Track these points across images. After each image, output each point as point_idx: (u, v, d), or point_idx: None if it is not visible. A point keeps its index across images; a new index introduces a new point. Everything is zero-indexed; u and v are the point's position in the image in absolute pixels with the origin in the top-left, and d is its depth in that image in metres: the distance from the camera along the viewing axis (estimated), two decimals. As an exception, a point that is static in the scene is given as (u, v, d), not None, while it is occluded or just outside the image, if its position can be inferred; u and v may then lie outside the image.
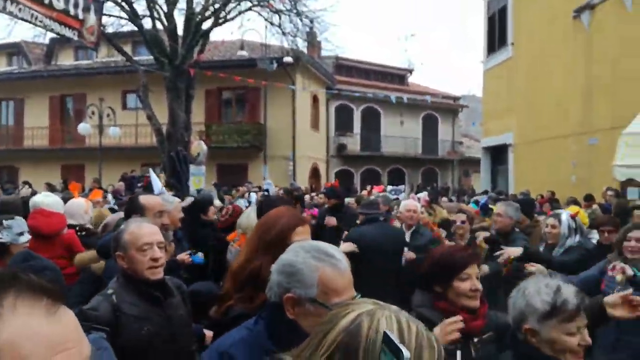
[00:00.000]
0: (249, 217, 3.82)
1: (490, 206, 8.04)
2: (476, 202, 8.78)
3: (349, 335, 0.90)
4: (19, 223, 3.15)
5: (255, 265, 1.95)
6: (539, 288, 1.82)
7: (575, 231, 4.44)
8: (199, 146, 13.52)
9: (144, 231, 2.36)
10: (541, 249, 4.59)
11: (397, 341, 0.70)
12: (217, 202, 7.72)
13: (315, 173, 24.80)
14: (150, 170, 10.07)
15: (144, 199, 3.61)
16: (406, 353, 0.66)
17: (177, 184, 11.87)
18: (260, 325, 1.52)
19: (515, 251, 4.03)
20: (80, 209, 4.73)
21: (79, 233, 4.42)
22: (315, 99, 24.60)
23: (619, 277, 3.32)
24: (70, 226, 4.39)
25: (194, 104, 15.52)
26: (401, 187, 14.58)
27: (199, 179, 13.04)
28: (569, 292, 1.78)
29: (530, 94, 14.48)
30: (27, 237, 3.15)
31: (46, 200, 4.19)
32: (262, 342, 1.48)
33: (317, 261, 1.45)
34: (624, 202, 8.28)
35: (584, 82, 12.28)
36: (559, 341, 1.76)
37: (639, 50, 10.43)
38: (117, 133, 17.71)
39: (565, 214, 4.53)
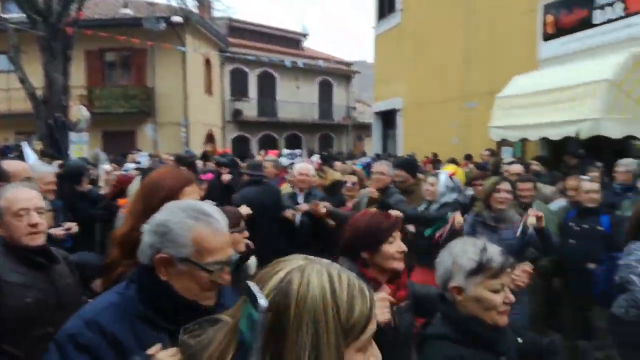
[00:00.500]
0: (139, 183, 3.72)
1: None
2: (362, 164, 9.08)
3: (280, 294, 0.87)
4: None
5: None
6: (466, 247, 1.88)
7: (453, 189, 4.72)
8: (79, 112, 12.61)
9: (20, 196, 2.27)
10: (423, 206, 4.82)
11: (256, 291, 0.65)
12: (107, 167, 7.26)
13: (210, 139, 24.19)
14: (24, 143, 9.23)
15: (7, 164, 3.48)
16: (263, 302, 0.61)
17: (57, 153, 11.01)
18: (131, 290, 1.44)
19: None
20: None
21: None
22: (207, 62, 23.75)
23: (532, 220, 3.58)
24: None
25: (73, 66, 14.34)
26: (297, 151, 14.69)
27: (81, 147, 12.19)
28: (494, 251, 1.85)
29: (417, 59, 15.03)
30: None
31: None
32: (134, 306, 1.40)
33: (193, 220, 1.40)
34: (498, 159, 8.95)
35: (464, 48, 12.94)
36: (484, 298, 1.82)
37: (513, 17, 11.12)
38: (-16, 98, 16.00)
39: (443, 174, 4.80)
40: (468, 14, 12.80)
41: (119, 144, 18.20)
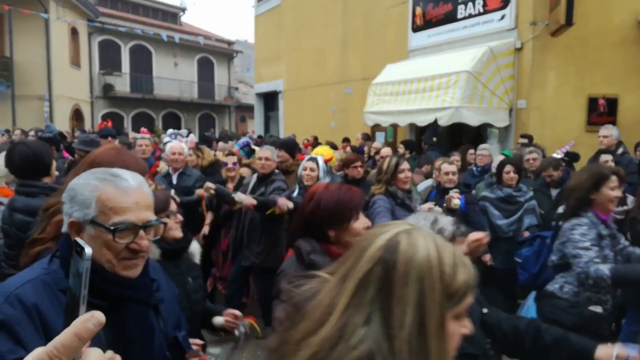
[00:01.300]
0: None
1: (253, 147, 8.45)
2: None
3: (388, 251, 0.93)
4: None
5: None
6: (418, 220, 1.91)
7: (327, 172, 4.93)
8: None
9: None
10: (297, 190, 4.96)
11: (81, 242, 0.64)
12: None
13: (77, 115, 22.47)
14: None
15: None
16: (88, 250, 0.62)
17: None
18: (55, 264, 1.36)
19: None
20: None
21: None
22: (74, 32, 21.92)
23: (456, 202, 3.79)
24: None
25: None
26: (182, 131, 14.24)
27: None
28: (445, 221, 1.91)
29: (297, 42, 15.17)
30: None
31: None
32: (58, 280, 1.30)
33: (98, 181, 1.35)
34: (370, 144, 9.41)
35: (342, 34, 13.32)
36: None
37: (387, 7, 11.64)
38: None
39: (320, 158, 4.97)
40: (346, 1, 13.16)
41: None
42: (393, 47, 11.30)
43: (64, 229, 1.38)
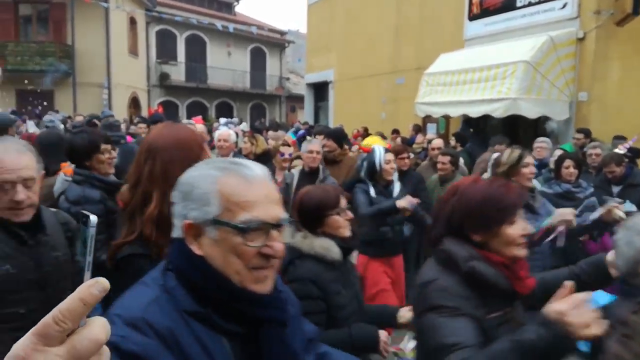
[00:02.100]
0: None
1: (308, 138, 8.39)
2: (295, 133, 9.06)
3: None
4: None
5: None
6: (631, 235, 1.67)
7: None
8: (-13, 66, 11.67)
9: (7, 163, 1.84)
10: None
11: (87, 212, 0.63)
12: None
13: (135, 103, 23.18)
14: None
15: None
16: (93, 218, 0.61)
17: (-37, 110, 10.17)
18: (170, 278, 1.10)
19: None
20: None
21: None
22: (133, 21, 22.56)
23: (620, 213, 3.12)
24: None
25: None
26: (234, 120, 14.54)
27: (-10, 105, 11.36)
28: None
29: (349, 32, 15.04)
30: None
31: None
32: (181, 300, 1.06)
33: (217, 170, 1.12)
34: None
35: (394, 23, 13.08)
36: None
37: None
38: None
39: (379, 149, 4.78)
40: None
41: (35, 104, 17.06)
42: (448, 36, 11.01)
43: (177, 233, 1.13)
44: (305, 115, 19.31)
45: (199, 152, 1.76)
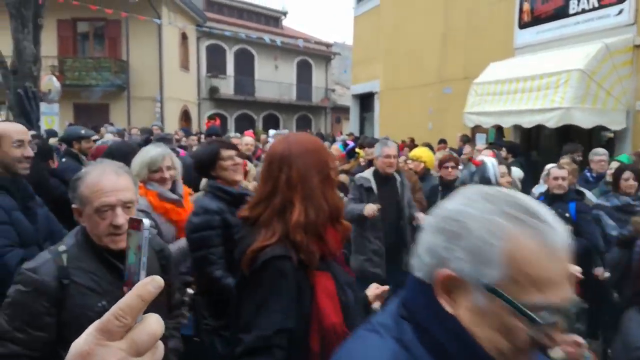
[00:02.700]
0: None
1: (357, 150, 8.39)
2: (344, 145, 9.06)
3: None
4: None
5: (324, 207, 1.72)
6: None
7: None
8: (49, 82, 12.31)
9: (105, 185, 1.77)
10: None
11: (138, 215, 0.66)
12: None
13: (186, 116, 23.84)
14: None
15: None
16: (147, 221, 0.64)
17: (27, 123, 10.74)
18: (407, 330, 0.88)
19: None
20: None
21: None
22: (184, 37, 23.28)
23: None
24: None
25: (44, 35, 13.88)
26: (284, 130, 14.81)
27: (52, 119, 11.95)
28: None
29: (395, 42, 15.00)
30: None
31: None
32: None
33: (509, 221, 0.82)
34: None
35: (441, 32, 12.96)
36: None
37: (491, 4, 11.16)
38: (-50, 65, 15.38)
39: (491, 162, 4.62)
40: (447, -1, 12.81)
41: (91, 117, 17.81)
42: (497, 44, 10.81)
43: (421, 272, 0.90)
44: (351, 126, 19.34)
45: (326, 156, 1.83)
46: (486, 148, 6.71)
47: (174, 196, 3.14)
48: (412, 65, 14.16)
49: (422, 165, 5.84)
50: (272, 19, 31.99)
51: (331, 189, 1.76)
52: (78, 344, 0.57)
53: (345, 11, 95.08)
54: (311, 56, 31.24)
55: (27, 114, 11.60)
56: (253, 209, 1.75)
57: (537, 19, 9.90)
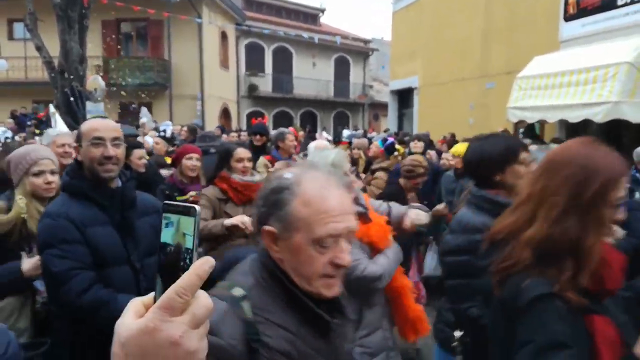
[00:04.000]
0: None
1: (397, 147, 8.33)
2: (383, 141, 9.01)
3: None
4: None
5: (570, 231, 1.40)
6: None
7: None
8: (95, 81, 12.66)
9: (333, 206, 1.22)
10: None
11: (179, 203, 0.68)
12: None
13: (225, 114, 24.18)
14: (51, 107, 9.34)
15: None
16: (197, 207, 0.67)
17: (74, 122, 11.12)
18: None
19: None
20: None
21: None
22: (224, 36, 23.61)
23: None
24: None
25: (89, 36, 14.33)
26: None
27: (97, 117, 12.32)
28: None
29: (435, 37, 14.81)
30: None
31: None
32: None
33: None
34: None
35: (483, 26, 12.71)
36: None
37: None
38: (3, 66, 16.09)
39: None
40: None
41: (135, 115, 18.31)
42: (542, 38, 10.53)
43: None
44: (389, 122, 19.20)
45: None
46: (531, 143, 6.55)
47: (358, 208, 2.45)
48: (452, 59, 13.94)
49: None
50: (310, 16, 32.04)
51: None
52: (141, 322, 0.61)
53: (383, 7, 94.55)
54: (349, 53, 31.16)
55: (74, 113, 12.00)
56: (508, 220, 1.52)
57: (583, 11, 9.59)
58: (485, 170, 2.19)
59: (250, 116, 26.77)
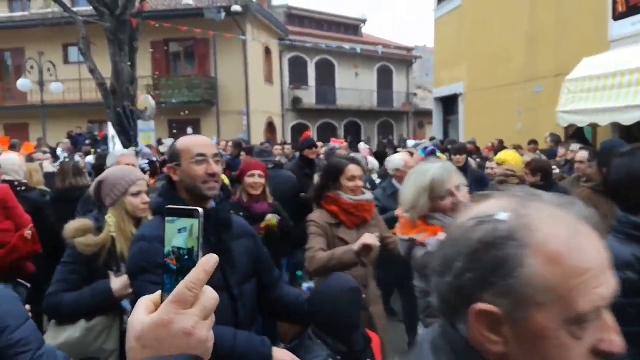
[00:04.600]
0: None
1: (438, 154, 8.24)
2: (424, 149, 8.93)
3: None
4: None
5: None
6: None
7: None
8: (145, 101, 13.17)
9: (591, 257, 0.77)
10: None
11: (183, 206, 0.73)
12: None
13: (270, 128, 24.55)
14: (109, 125, 9.77)
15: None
16: (200, 209, 0.72)
17: (126, 140, 11.57)
18: None
19: None
20: (14, 164, 4.55)
21: (18, 188, 4.28)
22: (267, 51, 24.08)
23: None
24: (6, 182, 4.23)
25: (139, 56, 14.91)
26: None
27: (149, 135, 12.77)
28: None
29: (479, 42, 14.59)
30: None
31: (-27, 154, 3.98)
32: None
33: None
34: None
35: (529, 29, 12.43)
36: None
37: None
38: (59, 89, 16.92)
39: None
40: (533, -7, 12.29)
41: (184, 132, 18.86)
42: (590, 38, 10.20)
43: None
44: (434, 130, 18.99)
45: None
46: (581, 149, 6.34)
47: None
48: (498, 64, 13.69)
49: (509, 169, 5.60)
50: (352, 27, 32.21)
51: None
52: (154, 317, 0.67)
53: (426, 14, 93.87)
54: (391, 61, 31.09)
55: (126, 131, 12.47)
56: None
57: (633, 9, 9.24)
58: (636, 193, 1.87)
59: (294, 129, 27.09)
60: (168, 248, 0.71)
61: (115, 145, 7.58)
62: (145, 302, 0.71)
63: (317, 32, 28.84)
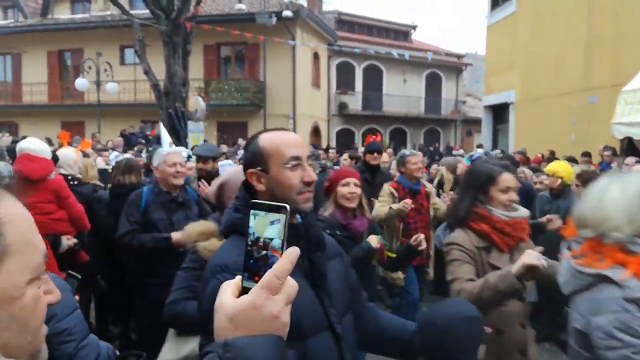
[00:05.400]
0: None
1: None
2: (470, 158, 8.76)
3: None
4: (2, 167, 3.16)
5: None
6: None
7: None
8: (196, 102, 13.47)
9: None
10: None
11: (269, 202, 0.83)
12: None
13: (316, 132, 24.67)
14: (160, 125, 10.08)
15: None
16: (287, 206, 0.81)
17: (177, 140, 11.88)
18: None
19: None
20: (70, 159, 4.73)
21: (71, 182, 4.45)
22: (316, 56, 24.23)
23: None
24: (61, 175, 4.42)
25: (192, 59, 15.29)
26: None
27: (198, 136, 13.05)
28: None
29: (533, 50, 14.22)
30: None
31: (32, 145, 4.16)
32: None
33: None
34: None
35: (585, 38, 12.03)
36: None
37: (638, 4, 10.17)
38: (115, 89, 17.56)
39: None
40: (589, 1, 11.88)
41: (232, 134, 19.21)
42: (651, 47, 9.78)
43: None
44: (483, 138, 18.59)
45: None
46: (637, 162, 6.07)
47: None
48: (552, 73, 13.30)
49: (559, 180, 5.40)
50: (402, 33, 32.00)
51: None
52: (245, 300, 0.75)
53: (478, 21, 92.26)
54: (441, 68, 30.68)
55: (177, 132, 12.80)
56: None
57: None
58: None
59: (339, 134, 27.10)
60: (254, 237, 0.80)
61: (164, 144, 7.74)
62: (230, 286, 0.79)
63: (366, 37, 28.78)
